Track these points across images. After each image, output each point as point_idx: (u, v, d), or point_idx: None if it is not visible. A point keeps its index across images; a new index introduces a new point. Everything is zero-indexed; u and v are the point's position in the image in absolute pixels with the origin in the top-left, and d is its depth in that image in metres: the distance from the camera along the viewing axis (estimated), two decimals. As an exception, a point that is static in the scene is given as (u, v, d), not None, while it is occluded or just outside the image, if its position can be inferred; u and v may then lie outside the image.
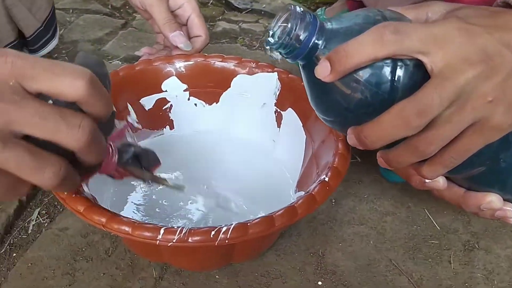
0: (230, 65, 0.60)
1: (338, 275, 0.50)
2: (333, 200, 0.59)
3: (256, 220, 0.39)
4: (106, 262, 0.50)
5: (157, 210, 0.53)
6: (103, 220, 0.39)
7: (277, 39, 0.38)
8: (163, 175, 0.45)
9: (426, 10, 0.40)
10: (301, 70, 0.41)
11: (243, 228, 0.38)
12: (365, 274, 0.50)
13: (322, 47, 0.38)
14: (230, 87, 0.61)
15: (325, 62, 0.36)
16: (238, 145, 0.62)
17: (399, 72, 0.36)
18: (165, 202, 0.54)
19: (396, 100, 0.36)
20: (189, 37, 0.63)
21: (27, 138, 0.29)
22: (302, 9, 0.37)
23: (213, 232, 0.38)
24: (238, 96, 0.61)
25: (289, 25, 0.37)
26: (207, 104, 0.62)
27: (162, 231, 0.38)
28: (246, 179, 0.57)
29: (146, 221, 0.41)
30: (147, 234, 0.38)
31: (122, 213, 0.43)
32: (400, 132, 0.36)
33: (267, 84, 0.59)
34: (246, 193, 0.55)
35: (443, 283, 0.50)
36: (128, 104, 0.57)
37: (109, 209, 0.41)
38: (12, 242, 0.53)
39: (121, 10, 1.05)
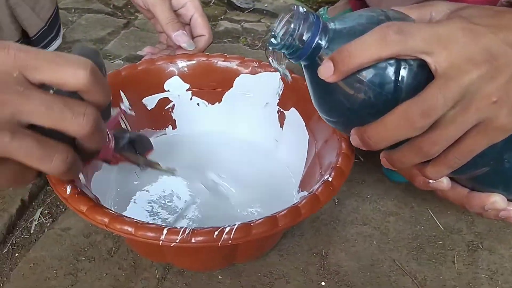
0: (233, 64, 0.60)
1: (342, 275, 0.50)
2: (336, 200, 0.58)
3: (260, 221, 0.39)
4: (108, 262, 0.50)
5: (161, 209, 0.53)
6: (106, 220, 0.39)
7: (280, 40, 0.38)
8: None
9: (430, 9, 0.40)
10: (304, 70, 0.41)
11: (246, 229, 0.38)
12: (369, 274, 0.50)
13: (325, 48, 0.37)
14: (232, 86, 0.60)
15: (328, 62, 0.36)
16: (241, 145, 0.61)
17: (403, 72, 0.35)
18: (168, 202, 0.54)
19: (400, 101, 0.36)
20: (193, 37, 0.63)
21: (31, 127, 0.30)
22: (305, 9, 0.37)
23: (216, 233, 0.38)
24: (240, 96, 0.61)
25: (292, 26, 0.37)
26: (210, 104, 0.62)
27: (165, 231, 0.38)
28: (249, 178, 0.57)
29: (149, 221, 0.41)
30: (150, 234, 0.38)
31: (124, 213, 0.43)
32: (404, 133, 0.35)
33: (270, 83, 0.59)
34: (249, 192, 0.55)
35: (447, 283, 0.50)
36: (121, 91, 0.56)
37: (112, 209, 0.41)
38: (14, 242, 0.53)
39: (123, 10, 1.05)
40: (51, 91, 0.31)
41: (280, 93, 0.58)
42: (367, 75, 0.36)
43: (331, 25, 0.38)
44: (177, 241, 0.37)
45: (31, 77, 0.30)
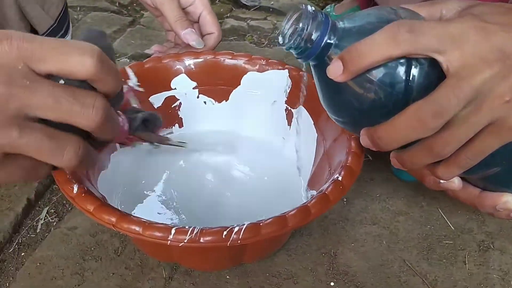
0: (240, 62, 0.59)
1: (351, 275, 0.49)
2: (345, 200, 0.58)
3: (269, 220, 0.38)
4: (115, 262, 0.50)
5: (168, 208, 0.52)
6: (113, 219, 0.38)
7: (288, 40, 0.37)
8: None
9: (440, 7, 0.39)
10: (312, 70, 0.40)
11: (255, 228, 0.38)
12: (378, 275, 0.49)
13: (334, 47, 0.37)
14: (240, 84, 0.60)
15: (338, 61, 0.36)
16: (248, 144, 0.61)
17: (414, 71, 0.35)
18: (175, 201, 0.53)
19: (410, 101, 0.35)
20: (202, 35, 0.63)
21: (42, 120, 0.30)
22: (313, 8, 0.37)
23: (225, 232, 0.37)
24: (248, 94, 0.60)
25: (300, 25, 0.36)
26: (217, 102, 0.61)
27: (173, 231, 0.37)
28: (256, 177, 0.57)
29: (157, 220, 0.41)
30: (158, 234, 0.37)
31: (131, 213, 0.42)
32: (415, 134, 0.35)
33: (277, 81, 0.58)
34: (256, 191, 0.55)
35: (458, 284, 0.49)
36: (126, 68, 0.55)
37: (119, 208, 0.40)
38: (20, 241, 0.52)
39: (129, 8, 1.05)
40: (61, 81, 0.30)
41: (288, 91, 0.58)
42: (377, 74, 0.35)
43: (340, 24, 0.38)
44: (185, 241, 0.37)
45: (37, 69, 0.29)
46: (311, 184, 0.53)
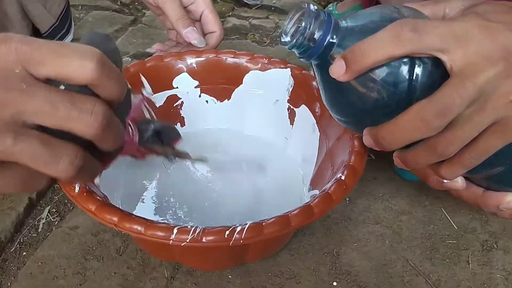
0: (242, 61, 0.59)
1: (354, 275, 0.49)
2: (347, 199, 0.57)
3: (271, 220, 0.38)
4: (117, 261, 0.50)
5: (169, 208, 0.52)
6: (115, 219, 0.38)
7: (290, 39, 0.37)
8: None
9: (443, 6, 0.39)
10: (315, 69, 0.40)
11: (258, 228, 0.38)
12: (381, 274, 0.49)
13: (337, 46, 0.37)
14: (242, 83, 0.60)
15: (340, 61, 0.35)
16: (250, 143, 0.61)
17: (417, 71, 0.35)
18: (176, 201, 0.53)
19: (414, 100, 0.35)
20: (204, 33, 0.62)
21: (42, 128, 0.28)
22: (316, 7, 0.37)
23: (227, 232, 0.37)
24: (250, 93, 0.60)
25: (302, 24, 0.36)
26: (219, 101, 0.61)
27: (175, 230, 0.37)
28: (258, 177, 0.56)
29: (158, 220, 0.40)
30: (160, 233, 0.37)
31: (133, 212, 0.42)
32: (419, 134, 0.35)
33: (280, 80, 0.58)
34: (259, 191, 0.54)
35: (462, 284, 0.49)
36: (141, 75, 0.55)
37: (121, 207, 0.40)
38: (22, 240, 0.52)
39: (130, 7, 1.05)
40: (62, 87, 0.28)
41: (290, 90, 0.57)
42: (380, 74, 0.35)
43: (343, 23, 0.37)
44: (188, 240, 0.37)
45: (35, 72, 0.27)
46: (314, 183, 0.53)
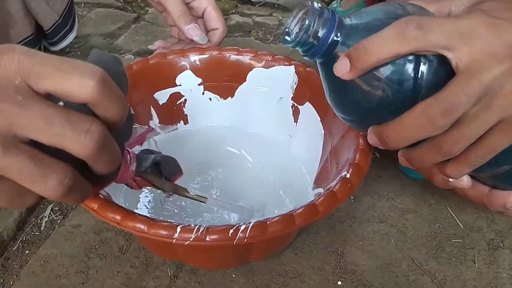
0: (246, 58, 0.59)
1: (358, 274, 0.49)
2: (352, 197, 0.57)
3: (276, 219, 0.38)
4: (120, 260, 0.49)
5: (172, 207, 0.52)
6: (118, 217, 0.37)
7: (294, 37, 0.37)
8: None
9: (449, 3, 0.38)
10: (319, 67, 0.40)
11: (262, 227, 0.37)
12: (387, 274, 0.49)
13: (341, 44, 0.36)
14: (245, 81, 0.59)
15: (345, 59, 0.35)
16: (254, 140, 0.60)
17: (423, 68, 0.34)
18: (179, 201, 0.52)
19: (419, 98, 0.34)
20: (206, 30, 0.62)
21: (37, 143, 0.27)
22: (319, 5, 0.36)
23: (231, 231, 0.36)
24: (254, 90, 0.59)
25: (306, 22, 0.36)
26: (222, 99, 0.61)
27: (178, 229, 0.36)
28: (262, 175, 0.56)
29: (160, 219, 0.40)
30: (164, 232, 0.37)
31: (136, 210, 0.42)
32: (424, 133, 0.34)
33: (283, 78, 0.57)
34: (262, 189, 0.54)
35: (468, 283, 0.48)
36: (151, 107, 0.55)
37: (124, 206, 0.40)
38: (24, 239, 0.52)
39: (133, 4, 1.04)
40: (61, 103, 0.28)
41: (295, 87, 0.57)
42: (385, 72, 0.35)
43: (347, 21, 0.37)
44: (191, 239, 0.36)
45: (35, 86, 0.26)
46: (318, 181, 0.52)
